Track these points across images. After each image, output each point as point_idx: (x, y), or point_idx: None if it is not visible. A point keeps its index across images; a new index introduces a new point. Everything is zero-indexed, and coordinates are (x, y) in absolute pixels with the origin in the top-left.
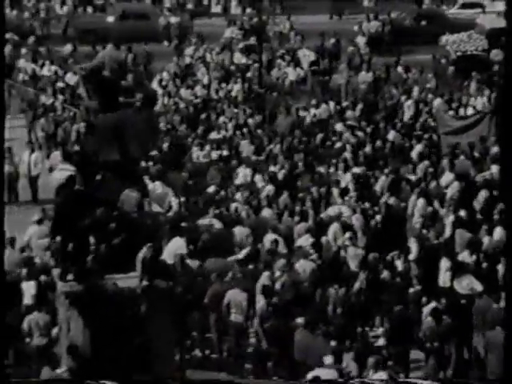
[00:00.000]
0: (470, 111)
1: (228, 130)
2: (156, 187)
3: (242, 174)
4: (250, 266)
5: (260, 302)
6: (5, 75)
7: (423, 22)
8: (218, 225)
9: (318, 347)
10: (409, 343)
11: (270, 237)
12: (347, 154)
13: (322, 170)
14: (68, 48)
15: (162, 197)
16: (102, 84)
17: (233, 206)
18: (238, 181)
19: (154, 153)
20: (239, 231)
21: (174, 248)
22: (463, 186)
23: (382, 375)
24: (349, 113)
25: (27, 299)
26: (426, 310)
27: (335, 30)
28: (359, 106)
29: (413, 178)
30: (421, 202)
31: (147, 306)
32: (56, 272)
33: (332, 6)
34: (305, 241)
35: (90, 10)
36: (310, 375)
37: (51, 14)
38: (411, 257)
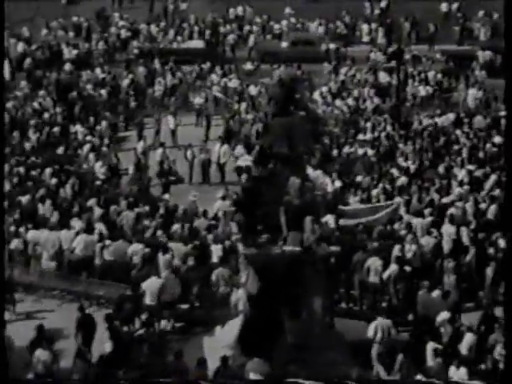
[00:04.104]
0: None
1: (371, 132)
2: (317, 175)
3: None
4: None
5: (393, 268)
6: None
7: None
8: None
9: (437, 305)
10: None
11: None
12: (463, 154)
13: (443, 166)
14: (250, 66)
15: (320, 183)
16: (278, 95)
17: (374, 192)
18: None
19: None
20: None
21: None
22: None
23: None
24: (465, 122)
25: (215, 258)
26: None
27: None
28: (477, 117)
29: None
30: None
31: (306, 267)
32: (238, 238)
33: (458, 38)
34: (425, 221)
35: (268, 37)
36: None
37: (239, 41)
38: None
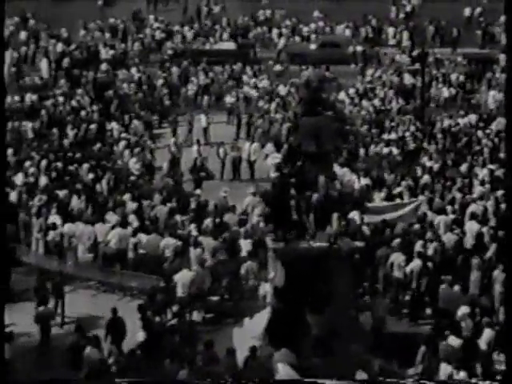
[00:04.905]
0: None
1: (396, 132)
2: (344, 172)
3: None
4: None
5: (415, 263)
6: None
7: None
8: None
9: (457, 299)
10: None
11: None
12: (485, 154)
13: (465, 165)
14: (280, 67)
15: (347, 180)
16: (306, 95)
17: (398, 190)
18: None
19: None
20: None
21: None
22: None
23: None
24: (487, 123)
25: (244, 252)
26: None
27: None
28: (498, 119)
29: None
30: None
31: (332, 261)
32: (266, 232)
33: (481, 41)
34: (448, 218)
35: (297, 39)
36: None
37: (270, 43)
38: None
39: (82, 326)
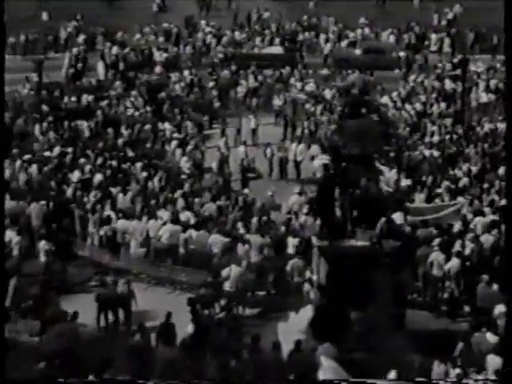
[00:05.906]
0: None
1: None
2: (391, 174)
3: None
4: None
5: (454, 261)
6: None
7: None
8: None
9: (495, 298)
10: None
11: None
12: None
13: (503, 168)
14: (326, 71)
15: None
16: (352, 98)
17: (437, 191)
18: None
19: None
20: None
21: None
22: None
23: None
24: None
25: (290, 250)
26: None
27: None
28: None
29: None
30: None
31: (374, 260)
32: (310, 231)
33: None
34: (486, 220)
35: (343, 44)
36: None
37: (317, 48)
38: None
39: (144, 325)
